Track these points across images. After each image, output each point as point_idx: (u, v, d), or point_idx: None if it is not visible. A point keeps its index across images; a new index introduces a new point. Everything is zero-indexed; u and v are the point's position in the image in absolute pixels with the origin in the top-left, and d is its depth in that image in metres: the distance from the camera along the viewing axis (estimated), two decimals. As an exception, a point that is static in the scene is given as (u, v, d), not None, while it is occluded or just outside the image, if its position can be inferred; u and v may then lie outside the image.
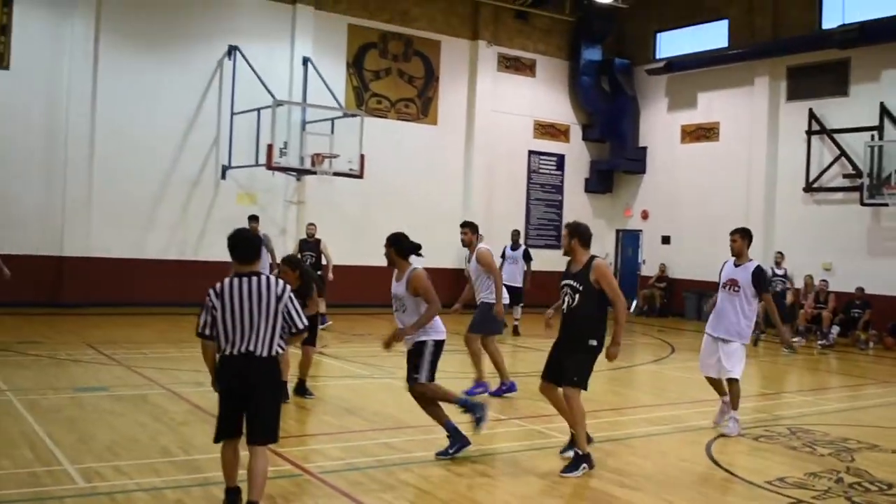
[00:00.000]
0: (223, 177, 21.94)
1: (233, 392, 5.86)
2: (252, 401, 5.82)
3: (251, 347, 5.80)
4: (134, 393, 10.60)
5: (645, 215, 27.69)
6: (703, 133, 26.27)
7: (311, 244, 18.03)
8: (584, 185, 28.34)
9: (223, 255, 18.93)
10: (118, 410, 9.54)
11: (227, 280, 5.89)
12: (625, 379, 14.02)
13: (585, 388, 7.88)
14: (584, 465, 7.73)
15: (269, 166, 20.05)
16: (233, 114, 21.74)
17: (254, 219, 17.36)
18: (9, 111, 19.69)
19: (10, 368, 11.92)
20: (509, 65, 26.83)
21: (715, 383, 10.01)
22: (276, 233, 21.94)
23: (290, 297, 5.93)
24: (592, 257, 7.93)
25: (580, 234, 8.00)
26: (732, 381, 9.70)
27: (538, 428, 9.66)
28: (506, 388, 11.53)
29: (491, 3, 25.91)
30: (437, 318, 8.09)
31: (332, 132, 21.06)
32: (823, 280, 21.54)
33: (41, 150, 20.08)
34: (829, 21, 23.37)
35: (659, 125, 27.55)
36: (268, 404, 5.90)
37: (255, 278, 5.89)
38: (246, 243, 6.05)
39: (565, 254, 8.11)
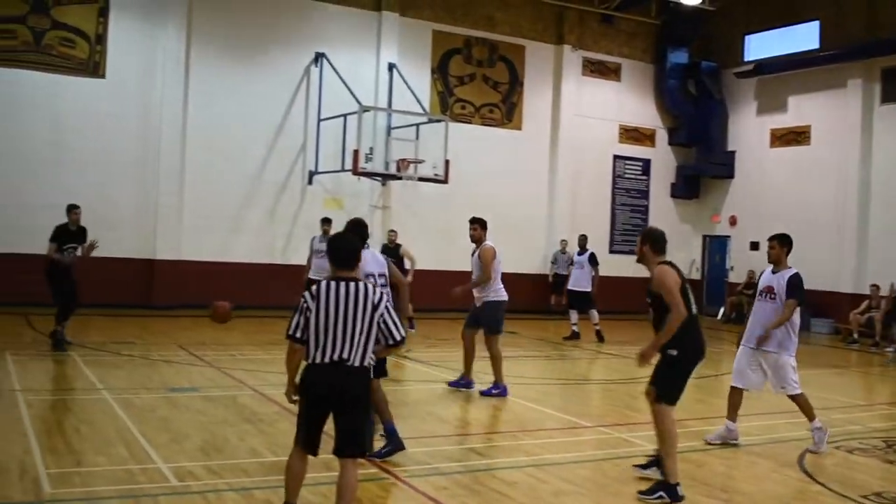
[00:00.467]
0: (310, 182, 22.24)
1: (320, 402, 5.61)
2: (343, 412, 5.61)
3: (344, 355, 5.55)
4: (224, 394, 10.79)
5: (733, 221, 27.21)
6: (794, 137, 25.72)
7: (392, 250, 18.18)
8: (670, 190, 27.99)
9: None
10: (209, 411, 9.72)
11: (324, 283, 5.68)
12: (711, 388, 13.77)
13: (670, 403, 7.31)
14: (662, 493, 7.11)
15: (355, 171, 20.24)
16: (319, 120, 22.03)
17: (327, 221, 17.59)
18: (104, 119, 20.25)
19: (105, 368, 12.24)
20: (594, 69, 26.66)
21: (736, 397, 9.43)
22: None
23: (387, 307, 5.71)
24: (659, 264, 7.36)
25: (652, 239, 7.46)
26: (796, 396, 9.29)
27: (623, 436, 9.55)
28: (464, 384, 11.79)
29: (576, 7, 25.78)
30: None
31: (417, 137, 21.18)
32: (918, 287, 20.99)
33: (135, 157, 20.61)
34: (927, 21, 22.72)
35: (747, 129, 27.06)
36: (359, 416, 5.71)
37: (352, 283, 5.66)
38: (348, 248, 5.83)
39: (638, 261, 7.61)
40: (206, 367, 12.68)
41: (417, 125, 21.36)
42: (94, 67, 20.21)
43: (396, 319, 5.74)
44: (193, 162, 21.10)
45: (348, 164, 20.52)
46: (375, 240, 22.24)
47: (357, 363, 5.57)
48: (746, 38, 27.29)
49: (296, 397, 5.77)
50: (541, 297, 24.20)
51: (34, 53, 19.64)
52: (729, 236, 27.45)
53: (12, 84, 19.44)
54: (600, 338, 18.83)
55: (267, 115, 21.90)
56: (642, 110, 27.54)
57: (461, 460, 8.08)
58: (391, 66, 23.02)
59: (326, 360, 5.55)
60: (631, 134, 27.39)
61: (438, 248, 23.15)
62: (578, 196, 26.15)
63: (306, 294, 5.66)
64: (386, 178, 21.94)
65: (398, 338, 5.73)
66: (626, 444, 9.21)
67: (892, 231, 22.99)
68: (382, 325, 5.68)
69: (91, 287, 18.48)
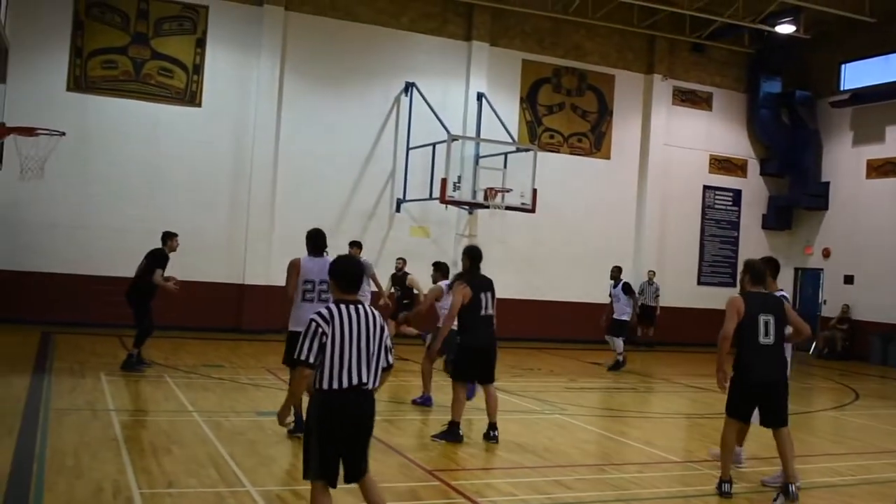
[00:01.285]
0: (398, 210, 22.45)
1: (344, 427, 5.53)
2: (364, 435, 5.65)
3: (364, 379, 5.55)
4: (311, 419, 10.89)
5: (826, 253, 26.58)
6: (891, 168, 25.05)
7: (399, 278, 18.03)
8: (761, 221, 27.50)
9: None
10: (296, 435, 9.83)
11: (333, 306, 5.61)
12: (804, 424, 13.42)
13: (730, 416, 8.43)
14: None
15: (443, 200, 20.36)
16: (408, 148, 22.26)
17: (356, 244, 17.29)
18: (200, 146, 20.80)
19: (195, 391, 12.48)
20: (685, 98, 26.42)
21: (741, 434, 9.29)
22: (450, 264, 22.20)
23: (384, 330, 5.74)
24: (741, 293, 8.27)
25: (750, 270, 8.33)
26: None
27: (713, 472, 9.35)
28: (421, 401, 12.41)
29: (666, 37, 25.61)
30: None
31: (505, 166, 21.21)
32: None
33: (228, 183, 21.10)
34: None
35: (843, 159, 26.46)
36: (369, 438, 5.74)
37: (361, 307, 5.66)
38: (353, 270, 5.79)
39: (740, 292, 8.24)
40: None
41: (505, 154, 21.41)
42: (190, 97, 20.80)
43: (390, 345, 5.75)
44: (284, 189, 21.49)
45: (436, 193, 20.65)
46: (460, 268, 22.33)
47: (372, 387, 5.61)
48: (842, 66, 26.75)
49: (290, 419, 5.77)
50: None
51: (134, 83, 20.33)
52: (822, 269, 26.81)
53: (113, 112, 20.13)
54: (616, 365, 18.25)
55: (357, 144, 22.21)
56: (733, 140, 27.16)
57: (547, 492, 8.01)
58: (480, 96, 23.16)
59: (346, 385, 5.51)
60: (722, 164, 27.02)
61: (524, 277, 23.15)
62: (667, 226, 25.87)
63: (317, 317, 5.54)
64: (473, 206, 22.02)
65: (392, 361, 5.74)
66: (715, 480, 9.02)
67: None
68: (384, 350, 5.70)
69: (183, 311, 18.96)
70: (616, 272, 19.13)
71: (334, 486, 5.60)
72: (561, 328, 23.25)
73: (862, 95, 25.55)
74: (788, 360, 8.90)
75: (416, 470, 8.50)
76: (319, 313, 5.55)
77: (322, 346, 5.48)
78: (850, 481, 9.42)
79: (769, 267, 8.82)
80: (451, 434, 9.99)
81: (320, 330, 5.50)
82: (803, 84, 27.21)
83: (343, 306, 5.61)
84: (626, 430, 11.55)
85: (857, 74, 26.34)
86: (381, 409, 11.83)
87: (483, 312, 10.18)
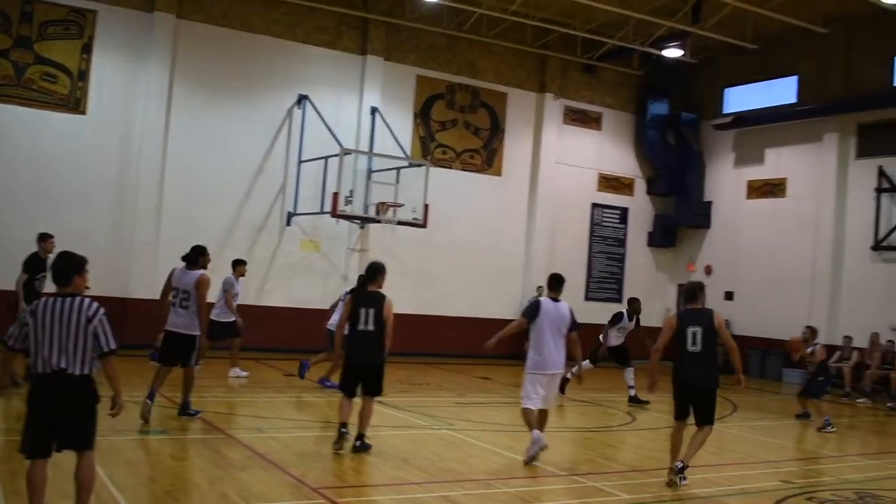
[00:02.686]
0: (288, 223, 22.20)
1: (43, 409, 6.18)
2: (64, 415, 6.20)
3: (63, 365, 6.18)
4: (193, 437, 10.66)
5: (708, 270, 27.34)
6: (770, 189, 25.95)
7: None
8: (647, 238, 28.15)
9: (286, 300, 19.14)
10: (177, 454, 9.60)
11: (42, 300, 6.34)
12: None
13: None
14: None
15: (334, 214, 20.22)
16: (300, 161, 22.05)
17: (240, 262, 17.43)
18: (84, 154, 20.17)
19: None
20: (575, 117, 26.87)
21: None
22: (339, 279, 22.11)
23: (101, 320, 6.30)
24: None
25: (685, 292, 10.19)
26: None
27: (597, 485, 9.48)
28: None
29: (559, 57, 26.01)
30: None
31: (398, 181, 21.22)
32: (890, 340, 21.12)
33: (112, 193, 20.52)
34: (902, 78, 23.07)
35: (725, 180, 27.30)
36: (83, 418, 6.30)
37: (68, 300, 6.30)
38: (59, 266, 6.46)
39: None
40: (175, 409, 12.48)
41: (398, 169, 21.42)
42: (75, 103, 20.17)
43: (108, 330, 6.34)
44: (171, 200, 21.02)
45: (327, 207, 20.51)
46: (352, 282, 22.21)
47: (79, 372, 6.25)
48: (726, 90, 27.62)
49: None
50: (515, 342, 24.16)
51: (15, 87, 19.59)
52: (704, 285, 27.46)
53: (-8, 118, 19.38)
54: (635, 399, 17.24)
55: (247, 155, 21.89)
56: (622, 159, 27.74)
57: (432, 508, 7.98)
58: (374, 110, 23.12)
59: (44, 369, 6.22)
60: (610, 182, 27.56)
61: (416, 292, 23.15)
62: (556, 243, 26.22)
63: (28, 310, 6.39)
64: (365, 221, 21.94)
65: (109, 347, 6.33)
66: (600, 492, 9.14)
67: (865, 284, 23.20)
68: (91, 337, 6.29)
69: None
70: (636, 306, 17.94)
71: (35, 457, 6.20)
72: (452, 343, 23.31)
73: (743, 119, 26.41)
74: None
75: (302, 488, 8.37)
76: (31, 306, 6.39)
77: (26, 336, 6.26)
78: (727, 491, 9.67)
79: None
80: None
81: (25, 321, 6.29)
82: (689, 106, 28.00)
83: (51, 300, 6.31)
84: (514, 444, 11.61)
85: (740, 98, 27.22)
86: (263, 424, 11.68)
87: (361, 327, 10.29)
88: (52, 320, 6.20)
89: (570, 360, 11.09)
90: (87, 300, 6.35)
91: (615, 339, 17.72)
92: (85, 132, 20.18)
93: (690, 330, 9.80)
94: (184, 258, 11.77)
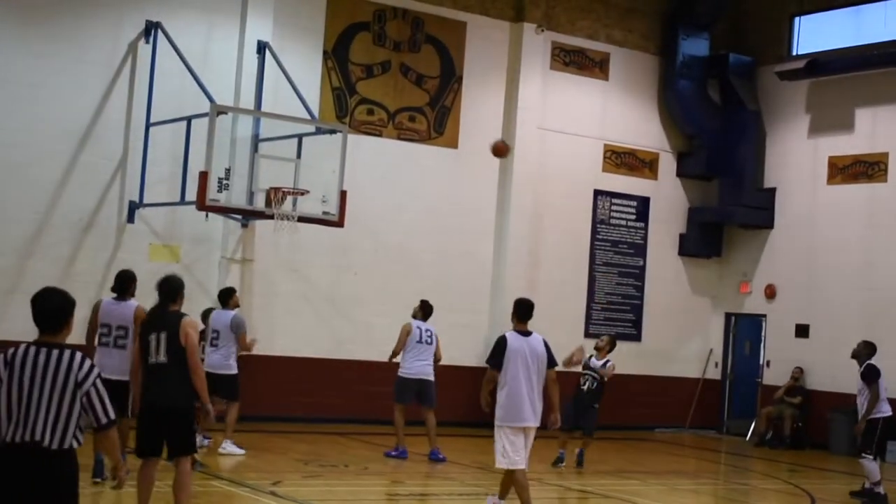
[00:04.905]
0: (130, 219, 21.95)
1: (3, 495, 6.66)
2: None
3: (38, 437, 6.67)
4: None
5: (771, 292, 27.53)
6: (864, 169, 26.16)
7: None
8: (678, 244, 28.32)
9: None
10: None
11: (22, 348, 6.83)
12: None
13: None
14: None
15: (202, 206, 20.06)
16: (149, 125, 21.85)
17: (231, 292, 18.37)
18: None
19: None
20: (569, 60, 26.93)
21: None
22: (209, 302, 21.87)
23: (94, 384, 6.82)
24: None
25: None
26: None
27: None
28: None
29: (544, -32, 26.12)
30: None
31: (299, 156, 21.17)
32: None
33: None
34: None
35: (795, 156, 27.51)
36: None
37: (56, 351, 6.80)
38: (44, 306, 7.02)
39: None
40: None
41: (299, 137, 21.37)
42: None
43: (105, 398, 6.90)
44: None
45: (191, 195, 20.35)
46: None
47: (57, 446, 6.74)
48: (796, 20, 27.78)
49: None
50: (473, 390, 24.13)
51: None
52: (764, 315, 27.79)
53: None
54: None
55: (68, 114, 21.58)
56: (640, 124, 27.86)
57: None
58: (262, 47, 22.98)
59: (10, 439, 6.73)
60: (622, 159, 27.65)
61: (326, 325, 23.00)
62: (541, 251, 26.18)
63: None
64: (248, 216, 21.79)
65: (105, 420, 6.89)
66: None
67: None
68: (79, 405, 6.82)
69: None
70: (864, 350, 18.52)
71: None
72: (382, 401, 23.07)
73: (822, 62, 26.54)
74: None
75: None
76: (3, 354, 6.82)
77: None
78: None
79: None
80: None
81: None
82: (740, 45, 28.18)
83: (33, 348, 6.83)
84: None
85: (816, 32, 27.40)
86: None
87: (152, 360, 11.06)
88: (31, 378, 6.74)
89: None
90: (78, 355, 6.87)
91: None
92: None
93: None
94: (118, 288, 13.93)
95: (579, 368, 18.69)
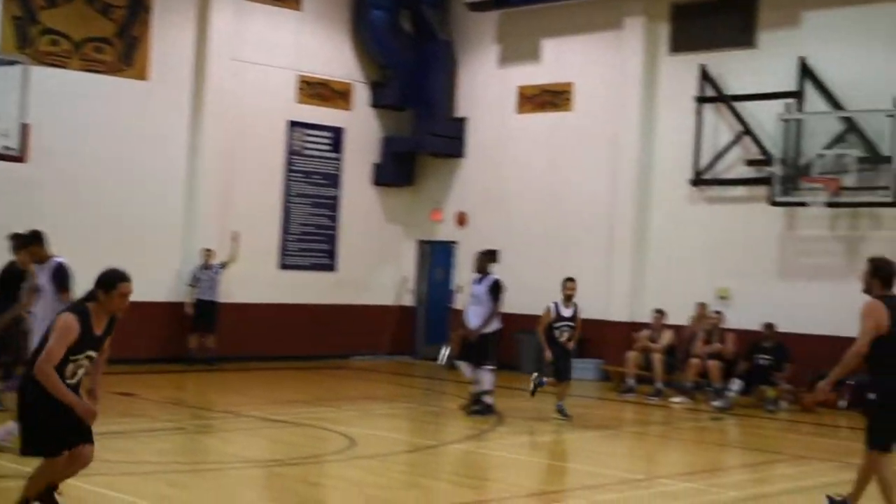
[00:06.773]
0: None
1: None
2: None
3: None
4: None
5: (462, 219, 28.16)
6: (550, 99, 26.88)
7: None
8: (372, 173, 28.63)
9: None
10: None
11: None
12: (425, 463, 14.26)
13: (874, 448, 10.27)
14: None
15: None
16: None
17: None
18: None
19: None
20: (261, -10, 26.82)
21: None
22: None
23: None
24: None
25: (879, 273, 10.39)
26: None
27: None
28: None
29: None
30: None
31: (-26, 88, 20.56)
32: (717, 311, 22.47)
33: None
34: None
35: (485, 86, 28.06)
36: None
37: None
38: None
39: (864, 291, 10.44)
40: None
41: (-28, 68, 20.77)
42: None
43: None
44: None
45: None
46: None
47: None
48: (486, -53, 28.17)
49: None
50: (169, 331, 24.15)
51: None
52: (456, 242, 28.41)
53: None
54: (482, 409, 18.57)
55: None
56: (333, 55, 27.93)
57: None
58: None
59: None
60: (316, 90, 27.70)
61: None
62: (234, 183, 26.00)
63: None
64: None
65: None
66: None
67: (679, 232, 24.51)
68: None
69: None
70: (485, 259, 19.10)
71: None
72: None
73: (512, -6, 27.14)
74: None
75: None
76: None
77: None
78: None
79: None
80: None
81: None
82: (431, -26, 28.48)
83: None
84: (172, 492, 11.63)
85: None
86: None
87: None
88: None
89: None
90: None
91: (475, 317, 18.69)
92: None
93: None
94: None
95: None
